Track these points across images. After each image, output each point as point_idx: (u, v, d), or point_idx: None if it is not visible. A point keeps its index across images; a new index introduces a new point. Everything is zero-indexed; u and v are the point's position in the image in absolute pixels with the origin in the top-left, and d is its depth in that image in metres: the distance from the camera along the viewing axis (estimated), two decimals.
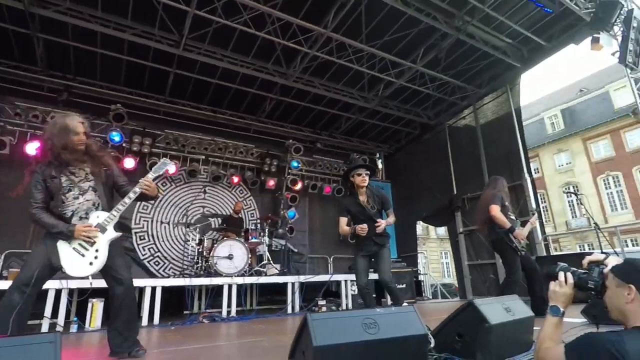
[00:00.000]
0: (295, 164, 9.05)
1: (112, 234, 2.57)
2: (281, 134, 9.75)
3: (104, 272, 2.63)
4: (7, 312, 2.19)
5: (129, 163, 7.33)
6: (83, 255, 2.49)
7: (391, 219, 3.88)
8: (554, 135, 24.85)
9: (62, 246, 2.48)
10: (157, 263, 7.63)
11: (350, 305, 6.86)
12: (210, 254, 6.14)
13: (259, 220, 8.04)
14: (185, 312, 6.16)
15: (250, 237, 6.79)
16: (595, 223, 5.29)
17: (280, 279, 6.39)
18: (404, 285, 7.81)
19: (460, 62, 8.00)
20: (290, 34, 6.72)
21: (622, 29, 5.77)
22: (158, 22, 6.39)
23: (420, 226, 26.15)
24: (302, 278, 6.36)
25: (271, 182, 9.05)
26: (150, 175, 2.72)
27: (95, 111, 7.50)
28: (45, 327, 4.64)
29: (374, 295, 8.12)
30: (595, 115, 22.86)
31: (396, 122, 10.33)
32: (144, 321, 5.03)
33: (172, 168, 2.52)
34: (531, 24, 7.09)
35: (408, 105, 9.55)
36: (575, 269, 1.64)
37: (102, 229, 2.54)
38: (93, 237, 2.49)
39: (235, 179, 8.68)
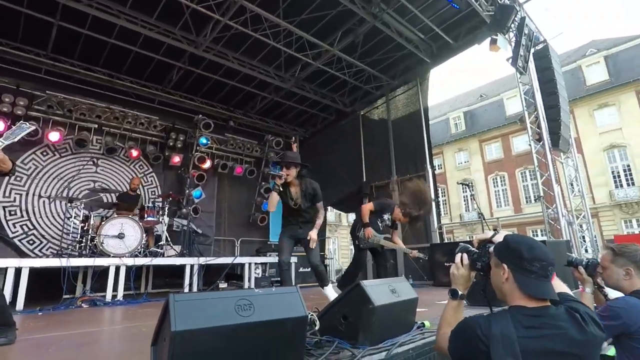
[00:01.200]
0: (204, 140, 8.50)
1: None
2: (191, 108, 9.08)
3: None
4: None
5: None
6: None
7: (319, 220, 4.08)
8: (457, 135, 27.37)
9: None
10: (31, 242, 6.57)
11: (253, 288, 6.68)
12: (97, 233, 5.45)
13: (158, 198, 7.40)
14: (65, 297, 5.39)
15: (146, 216, 6.18)
16: (480, 213, 5.85)
17: (178, 261, 5.95)
18: (308, 269, 7.87)
19: (376, 51, 8.20)
20: None
21: (515, 34, 6.38)
22: None
23: (333, 213, 27.11)
24: (202, 260, 6.00)
25: (176, 159, 8.39)
26: (1, 144, 2.18)
27: None
28: None
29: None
30: (490, 120, 25.68)
31: (313, 106, 10.32)
32: None
33: (26, 131, 1.91)
34: (441, 21, 7.50)
35: (325, 89, 9.57)
36: (473, 249, 1.52)
37: None
38: None
39: (135, 153, 7.84)
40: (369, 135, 9.92)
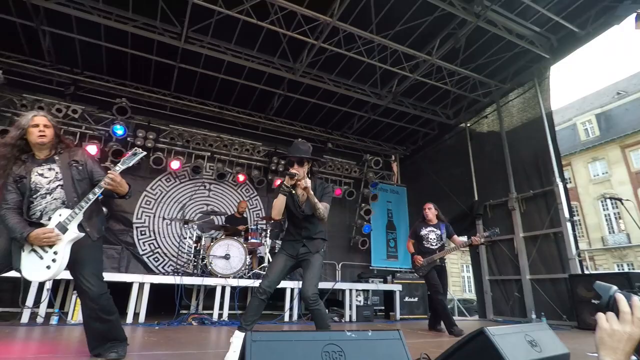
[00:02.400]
0: None
1: (73, 233, 2.25)
2: (291, 133, 9.41)
3: (73, 275, 2.40)
4: None
5: None
6: (41, 258, 2.23)
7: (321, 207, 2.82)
8: (588, 142, 23.32)
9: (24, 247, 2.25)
10: (156, 259, 7.37)
11: (354, 317, 6.34)
12: (207, 253, 5.82)
13: (262, 221, 7.68)
14: (182, 312, 5.84)
15: (250, 238, 6.42)
16: None
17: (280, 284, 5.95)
18: (416, 299, 7.21)
19: (481, 55, 7.41)
20: (295, 24, 6.39)
21: None
22: (159, 14, 6.22)
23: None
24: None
25: (278, 182, 8.69)
26: (118, 168, 2.38)
27: (102, 105, 7.45)
28: (25, 317, 4.41)
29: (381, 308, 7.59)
30: (635, 120, 21.24)
31: (412, 122, 9.79)
32: (129, 318, 4.74)
33: (139, 157, 2.05)
34: (561, 8, 6.43)
35: (425, 103, 9.00)
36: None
37: (62, 228, 2.24)
38: (53, 240, 2.21)
39: (241, 177, 8.37)
40: (478, 149, 8.92)
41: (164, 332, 4.14)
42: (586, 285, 5.75)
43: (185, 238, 6.61)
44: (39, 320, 4.40)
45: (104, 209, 6.81)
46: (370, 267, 9.54)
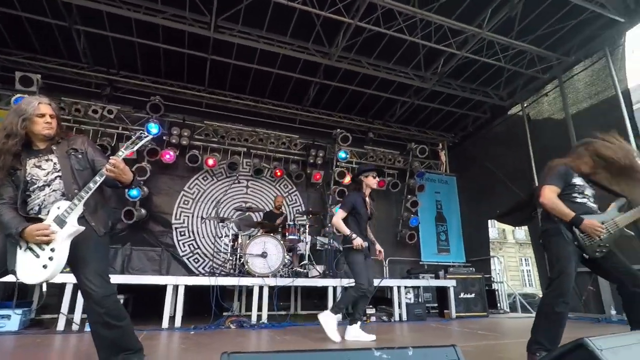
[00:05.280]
0: (342, 154, 8.18)
1: (72, 227, 1.94)
2: (330, 124, 8.97)
3: (75, 275, 2.07)
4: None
5: (168, 156, 7.08)
6: (37, 257, 1.94)
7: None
8: None
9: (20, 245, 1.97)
10: (196, 260, 7.23)
11: (404, 316, 5.79)
12: (243, 251, 5.52)
13: (301, 216, 7.33)
14: (225, 313, 5.59)
15: (287, 234, 6.05)
16: None
17: (320, 282, 5.55)
18: (473, 295, 6.50)
19: (541, 25, 6.51)
20: (329, 2, 5.91)
21: None
22: (188, 4, 6.00)
23: (495, 229, 23.59)
24: (345, 282, 5.45)
25: (317, 176, 8.27)
26: (121, 153, 2.07)
27: (138, 105, 7.40)
28: (61, 324, 4.32)
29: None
30: None
31: (461, 106, 8.98)
32: (164, 323, 4.52)
33: (144, 140, 1.81)
34: None
35: (475, 84, 8.17)
36: None
37: (61, 222, 1.94)
38: (48, 236, 1.91)
39: (279, 172, 8.04)
40: (537, 130, 7.96)
41: (198, 338, 3.86)
42: None
43: (222, 237, 6.36)
44: (74, 327, 4.27)
45: (143, 211, 6.76)
46: (420, 262, 8.91)
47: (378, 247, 4.04)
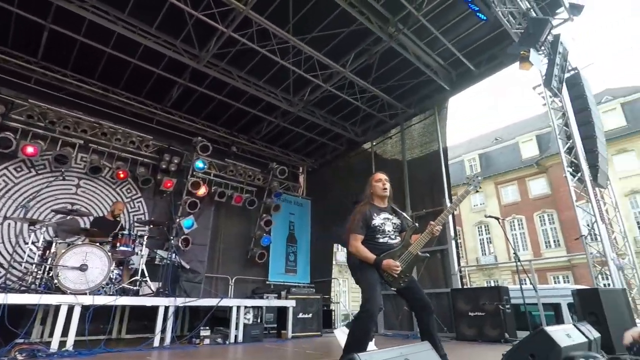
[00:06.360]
0: (200, 164, 7.73)
1: None
2: (191, 130, 8.44)
3: None
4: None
5: None
6: None
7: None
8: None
9: None
10: None
11: (240, 338, 5.61)
12: (55, 263, 4.55)
13: (141, 226, 6.56)
14: (16, 340, 4.40)
15: (119, 245, 5.26)
16: (515, 254, 4.84)
17: (149, 301, 4.94)
18: (310, 315, 6.76)
19: (392, 77, 7.57)
20: (204, 4, 5.66)
21: (548, 52, 5.64)
22: None
23: (344, 253, 25.65)
24: (179, 301, 5.01)
25: (169, 183, 7.58)
26: None
27: None
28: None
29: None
30: (506, 163, 24.98)
31: (323, 135, 9.61)
32: None
33: None
34: (463, 45, 6.91)
35: (336, 117, 8.89)
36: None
37: None
38: None
39: (122, 174, 7.07)
40: (381, 166, 9.05)
41: None
42: (465, 299, 6.07)
43: (27, 243, 5.15)
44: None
45: None
46: (267, 282, 8.91)
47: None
